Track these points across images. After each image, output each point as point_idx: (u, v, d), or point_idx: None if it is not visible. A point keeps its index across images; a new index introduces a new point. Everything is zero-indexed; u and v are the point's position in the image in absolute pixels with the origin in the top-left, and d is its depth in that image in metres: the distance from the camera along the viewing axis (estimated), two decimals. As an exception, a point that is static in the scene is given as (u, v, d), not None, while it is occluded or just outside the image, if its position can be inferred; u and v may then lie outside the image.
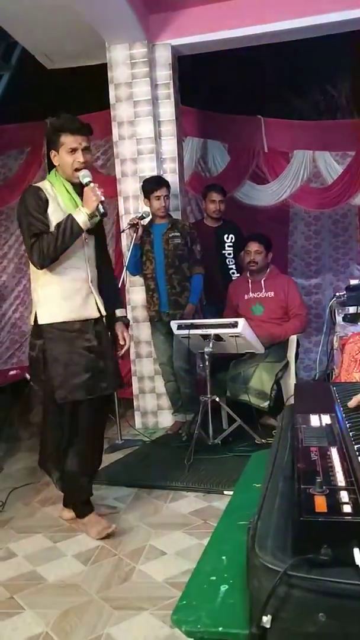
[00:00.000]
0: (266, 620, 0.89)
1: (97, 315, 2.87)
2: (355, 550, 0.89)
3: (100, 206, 2.69)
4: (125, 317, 3.16)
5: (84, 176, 2.74)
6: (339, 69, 6.68)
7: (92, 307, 2.87)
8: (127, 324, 3.15)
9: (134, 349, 4.85)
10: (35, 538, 2.91)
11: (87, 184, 2.72)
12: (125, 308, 2.98)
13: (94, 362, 2.82)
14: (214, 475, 3.50)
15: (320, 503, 0.96)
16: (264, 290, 4.41)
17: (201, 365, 4.02)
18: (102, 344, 2.88)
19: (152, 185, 4.36)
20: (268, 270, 4.48)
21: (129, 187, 4.76)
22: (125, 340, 3.08)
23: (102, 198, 2.69)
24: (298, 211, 6.01)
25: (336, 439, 1.29)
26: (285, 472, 1.25)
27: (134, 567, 2.53)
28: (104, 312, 2.91)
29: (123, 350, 3.10)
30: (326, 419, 1.45)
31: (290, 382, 4.20)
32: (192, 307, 4.43)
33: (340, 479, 1.06)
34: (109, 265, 3.18)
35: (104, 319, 2.93)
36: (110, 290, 3.05)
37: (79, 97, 6.14)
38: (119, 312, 3.11)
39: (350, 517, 0.91)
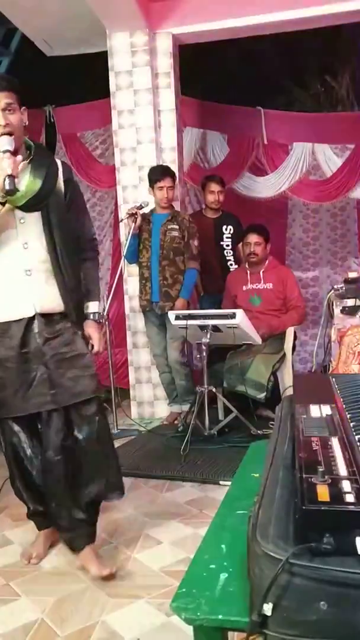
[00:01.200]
0: (267, 608, 0.89)
1: (32, 313, 2.28)
2: (357, 539, 0.89)
3: (7, 181, 2.06)
4: (97, 313, 2.50)
5: None
6: (339, 62, 6.65)
7: (26, 304, 2.28)
8: (98, 322, 2.50)
9: (131, 338, 4.85)
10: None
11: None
12: (99, 300, 2.51)
13: (23, 374, 2.31)
14: (209, 465, 3.51)
15: (323, 492, 0.96)
16: (262, 282, 4.41)
17: (198, 356, 4.02)
18: (42, 349, 2.30)
19: (157, 175, 4.34)
20: (267, 261, 4.47)
21: (128, 176, 4.74)
22: (95, 342, 2.47)
23: (9, 171, 2.06)
24: (297, 203, 6.01)
25: (337, 429, 1.29)
26: (285, 461, 1.25)
27: (129, 555, 2.53)
28: (57, 308, 2.33)
29: (94, 352, 2.46)
30: (326, 410, 1.45)
31: (287, 373, 4.21)
32: (183, 302, 4.39)
33: (342, 469, 1.06)
34: (81, 248, 2.49)
35: (59, 316, 2.35)
36: (74, 280, 2.38)
37: (78, 85, 6.12)
38: (91, 307, 2.49)
39: (352, 507, 0.91)
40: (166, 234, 4.36)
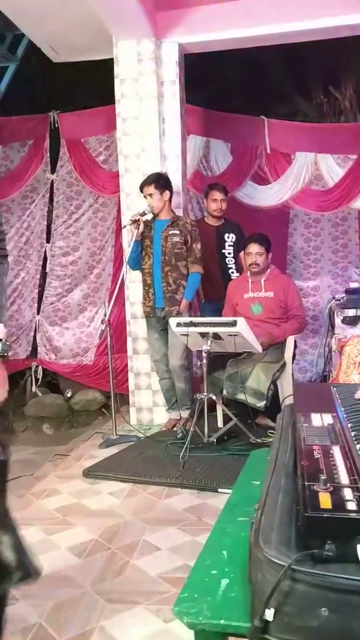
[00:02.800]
0: (269, 613, 0.90)
1: None
2: (359, 546, 0.91)
3: None
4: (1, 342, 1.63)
5: None
6: (343, 72, 6.69)
7: None
8: (2, 356, 1.63)
9: (131, 344, 4.86)
10: (29, 530, 2.91)
11: None
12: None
13: None
14: (208, 472, 3.52)
15: (325, 500, 0.97)
16: (263, 290, 4.42)
17: (199, 363, 4.03)
18: None
19: (140, 185, 4.41)
20: (269, 270, 4.49)
21: (132, 183, 4.76)
22: None
23: None
24: (298, 213, 6.03)
25: (338, 438, 1.30)
26: (287, 469, 1.26)
27: (127, 561, 2.54)
28: None
29: None
30: (328, 419, 1.46)
31: (287, 382, 4.22)
32: (186, 303, 4.43)
33: (344, 477, 1.07)
34: None
35: None
36: None
37: (83, 92, 6.15)
38: None
39: (354, 514, 0.93)
40: (167, 239, 4.38)
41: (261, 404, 3.95)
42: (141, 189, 4.41)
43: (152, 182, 4.37)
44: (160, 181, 4.39)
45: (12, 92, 5.51)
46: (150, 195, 4.36)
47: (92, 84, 5.89)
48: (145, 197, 4.40)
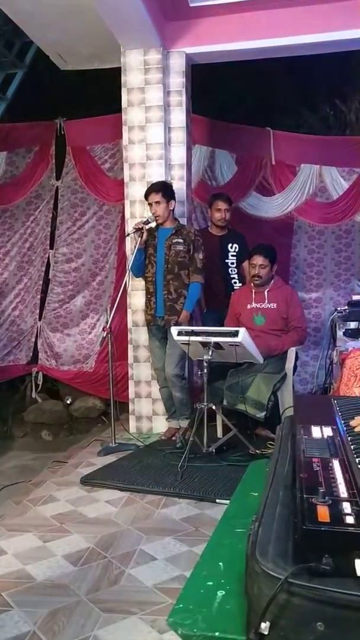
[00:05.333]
0: (265, 626, 0.90)
1: None
2: (357, 561, 0.90)
3: None
4: None
5: None
6: (350, 86, 6.71)
7: None
8: None
9: (132, 352, 4.86)
10: (25, 537, 2.90)
11: None
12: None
13: None
14: (206, 483, 3.50)
15: (323, 513, 0.97)
16: (266, 301, 4.41)
17: (199, 373, 4.02)
18: None
19: (145, 194, 4.44)
20: (272, 281, 4.48)
21: (136, 191, 4.78)
22: None
23: None
24: (302, 224, 6.03)
25: (338, 450, 1.29)
26: (286, 481, 1.26)
27: (123, 570, 2.52)
28: None
29: None
30: (327, 431, 1.46)
31: (287, 394, 4.20)
32: (187, 314, 4.42)
33: (343, 491, 1.06)
34: None
35: None
36: None
37: (89, 100, 6.17)
38: None
39: (352, 528, 0.92)
40: (171, 248, 4.39)
41: (261, 414, 3.94)
42: (146, 196, 4.42)
43: (158, 190, 4.38)
44: (166, 190, 4.40)
45: (19, 98, 5.54)
46: (157, 203, 4.37)
47: (99, 92, 5.92)
48: (150, 204, 4.40)
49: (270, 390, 3.99)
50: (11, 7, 4.39)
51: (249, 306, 4.47)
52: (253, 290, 4.49)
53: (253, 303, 4.46)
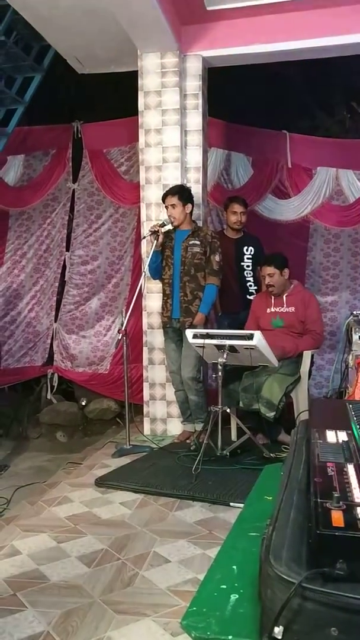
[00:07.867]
0: (278, 631, 0.89)
1: None
2: (371, 566, 0.89)
3: None
4: None
5: None
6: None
7: None
8: None
9: (147, 355, 4.87)
10: (39, 537, 2.91)
11: None
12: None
13: None
14: (220, 486, 3.49)
15: (337, 518, 0.96)
16: (285, 305, 4.40)
17: (214, 376, 4.02)
18: None
19: (162, 197, 4.45)
20: (292, 286, 4.46)
21: (152, 194, 4.79)
22: None
23: None
24: (318, 228, 6.01)
25: (353, 455, 1.29)
26: (300, 485, 1.25)
27: (137, 572, 2.53)
28: None
29: None
30: (342, 436, 1.45)
31: (302, 398, 4.19)
32: (202, 317, 4.42)
33: (357, 496, 1.06)
34: None
35: None
36: None
37: (106, 103, 6.21)
38: None
39: (367, 534, 0.92)
40: (187, 249, 4.39)
41: (271, 414, 3.92)
42: (164, 199, 4.43)
43: (175, 192, 4.39)
44: (184, 193, 4.41)
45: (37, 102, 5.58)
46: (173, 206, 4.38)
47: (116, 95, 5.95)
48: (166, 207, 4.41)
49: (283, 391, 3.98)
50: (30, 12, 4.42)
51: (268, 310, 4.46)
52: (272, 295, 4.48)
53: (272, 307, 4.45)
